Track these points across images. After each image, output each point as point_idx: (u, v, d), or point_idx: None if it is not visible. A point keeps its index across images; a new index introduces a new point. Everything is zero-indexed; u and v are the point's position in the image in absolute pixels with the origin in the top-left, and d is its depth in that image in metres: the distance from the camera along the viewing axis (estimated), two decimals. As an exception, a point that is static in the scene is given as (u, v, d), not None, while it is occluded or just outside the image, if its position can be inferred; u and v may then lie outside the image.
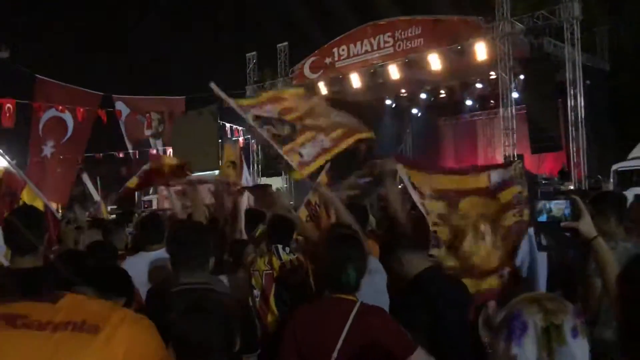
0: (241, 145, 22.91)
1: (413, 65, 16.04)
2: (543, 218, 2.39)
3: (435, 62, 15.43)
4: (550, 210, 2.37)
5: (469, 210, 3.59)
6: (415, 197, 3.49)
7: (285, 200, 6.62)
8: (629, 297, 1.50)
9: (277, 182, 19.37)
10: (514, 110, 15.28)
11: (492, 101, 19.08)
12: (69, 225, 5.33)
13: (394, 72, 16.24)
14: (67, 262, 2.74)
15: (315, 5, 23.20)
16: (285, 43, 19.07)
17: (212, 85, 4.40)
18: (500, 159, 15.98)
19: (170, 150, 22.36)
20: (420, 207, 3.43)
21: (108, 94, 21.56)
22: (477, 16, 15.24)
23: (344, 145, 4.68)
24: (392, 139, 20.98)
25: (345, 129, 4.79)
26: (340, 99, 18.55)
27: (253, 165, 21.51)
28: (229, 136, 22.75)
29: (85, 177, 9.95)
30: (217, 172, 18.41)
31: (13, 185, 5.16)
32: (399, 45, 16.18)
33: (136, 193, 20.32)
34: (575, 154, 14.78)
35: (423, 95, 20.01)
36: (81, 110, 19.00)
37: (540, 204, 2.40)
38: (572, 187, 13.88)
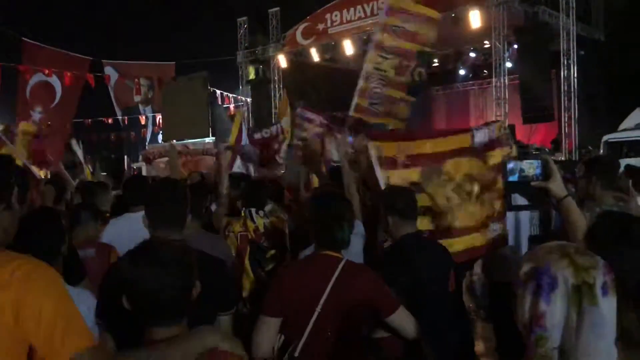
0: (232, 112, 22.73)
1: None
2: (514, 178, 2.34)
3: (428, 29, 15.20)
4: (522, 170, 2.32)
5: (453, 173, 3.57)
6: (378, 172, 3.48)
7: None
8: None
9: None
10: (506, 80, 15.15)
11: (485, 71, 18.94)
12: (47, 185, 5.30)
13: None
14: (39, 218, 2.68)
15: (309, -31, 22.73)
16: (277, 8, 18.73)
17: None
18: (491, 129, 15.89)
19: (159, 117, 22.18)
20: (381, 180, 3.42)
21: (97, 58, 21.25)
22: (472, -18, 14.96)
23: None
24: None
25: None
26: (332, 67, 18.40)
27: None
28: (220, 103, 22.54)
29: (74, 144, 9.84)
30: (207, 139, 18.42)
31: None
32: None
33: (125, 159, 20.25)
34: (566, 124, 14.72)
35: (416, 64, 19.80)
36: (69, 74, 18.71)
37: (512, 163, 2.35)
38: (562, 159, 13.89)
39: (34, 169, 6.55)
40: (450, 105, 22.64)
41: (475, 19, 14.55)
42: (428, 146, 3.63)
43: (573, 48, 14.54)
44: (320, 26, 17.32)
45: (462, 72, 20.82)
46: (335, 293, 2.28)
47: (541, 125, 16.29)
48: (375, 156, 3.50)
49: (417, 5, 5.77)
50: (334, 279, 2.30)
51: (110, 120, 23.25)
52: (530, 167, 2.31)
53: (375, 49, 5.61)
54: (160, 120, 22.54)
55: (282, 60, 18.35)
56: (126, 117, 22.99)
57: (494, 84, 15.46)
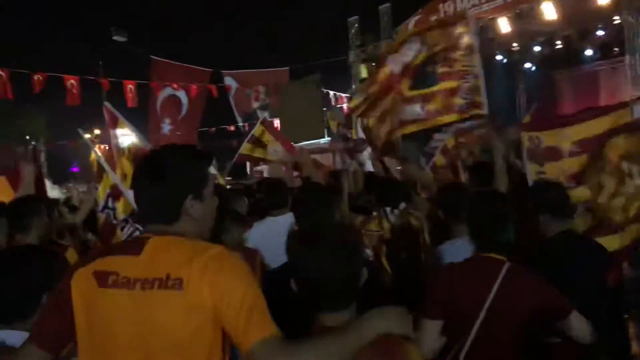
0: (346, 112, 22.94)
1: (525, 16, 15.01)
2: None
3: (549, 10, 14.31)
4: None
5: (612, 155, 3.29)
6: (527, 167, 3.28)
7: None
8: None
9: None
10: (642, 56, 13.86)
11: (616, 49, 17.43)
12: None
13: (504, 25, 15.31)
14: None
15: (418, -38, 22.34)
16: (388, 4, 18.57)
17: None
18: (627, 112, 14.60)
19: (277, 121, 22.91)
20: (529, 175, 3.20)
21: (217, 70, 22.38)
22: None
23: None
24: (504, 97, 19.92)
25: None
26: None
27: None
28: (333, 104, 22.84)
29: (201, 152, 10.37)
30: (322, 140, 18.73)
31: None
32: (510, -4, 15.18)
33: (247, 164, 21.17)
34: None
35: (537, 48, 18.70)
36: (194, 87, 19.92)
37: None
38: None
39: None
40: (576, 88, 21.09)
41: (603, -7, 13.47)
42: (591, 127, 3.36)
43: None
44: (433, 18, 16.91)
45: (588, 52, 19.34)
46: (500, 297, 2.20)
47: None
48: (526, 149, 3.31)
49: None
50: (498, 282, 2.21)
51: (232, 128, 24.45)
52: None
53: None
54: (278, 124, 23.30)
55: (395, 56, 18.14)
56: (246, 124, 24.03)
57: (627, 62, 14.18)
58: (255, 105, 23.36)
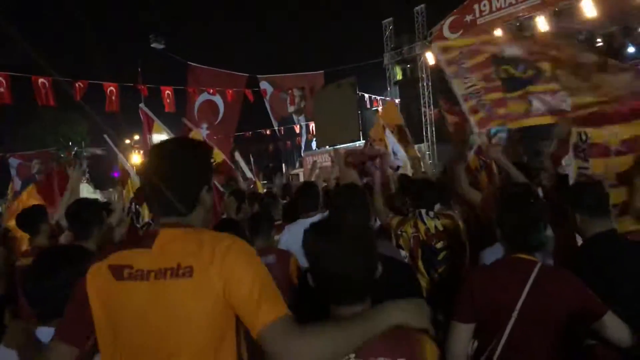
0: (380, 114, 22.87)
1: (564, 14, 14.69)
2: None
3: (589, 8, 13.99)
4: None
5: None
6: (572, 163, 3.20)
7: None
8: None
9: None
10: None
11: (660, 45, 16.90)
12: (230, 197, 5.73)
13: (542, 23, 15.00)
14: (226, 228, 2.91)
15: (452, -38, 22.11)
16: (422, 5, 18.46)
17: None
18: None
19: (312, 125, 23.00)
20: (570, 172, 3.12)
21: (253, 74, 22.63)
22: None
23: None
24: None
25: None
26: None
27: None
28: (368, 107, 22.79)
29: (238, 156, 10.50)
30: (357, 143, 18.71)
31: None
32: (548, -6, 14.89)
33: (283, 166, 21.30)
34: None
35: (577, 46, 18.27)
36: (230, 92, 20.16)
37: None
38: None
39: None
40: (619, 87, 20.50)
41: (646, -11, 13.07)
42: (637, 127, 3.26)
43: None
44: (469, 18, 16.71)
45: (631, 49, 18.78)
46: (532, 298, 2.16)
47: None
48: (573, 144, 3.24)
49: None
50: (530, 283, 2.17)
51: (268, 132, 24.67)
52: None
53: (456, 78, 5.18)
54: (313, 128, 23.37)
55: (430, 58, 18.01)
56: (282, 127, 24.19)
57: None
58: (291, 109, 23.50)
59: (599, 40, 17.59)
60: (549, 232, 3.09)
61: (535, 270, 2.22)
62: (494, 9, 16.04)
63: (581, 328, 2.22)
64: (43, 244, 4.26)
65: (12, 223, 5.38)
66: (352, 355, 1.53)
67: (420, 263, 3.64)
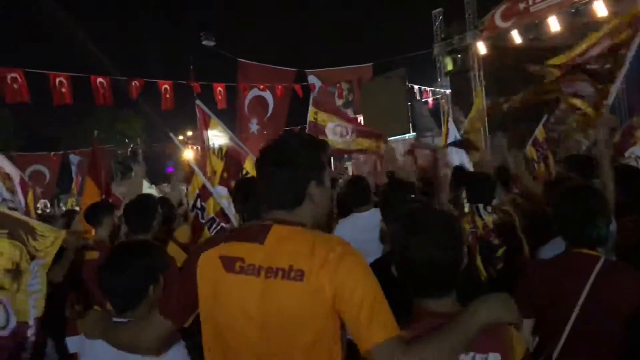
0: (430, 106, 22.54)
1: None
2: None
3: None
4: None
5: None
6: None
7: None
8: None
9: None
10: None
11: None
12: None
13: (600, 8, 14.39)
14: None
15: (503, -52, 21.49)
16: (473, -6, 18.07)
17: None
18: None
19: (361, 118, 22.93)
20: None
21: (301, 69, 22.72)
22: None
23: None
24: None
25: None
26: (536, 46, 17.14)
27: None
28: (418, 98, 22.51)
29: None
30: (407, 135, 18.53)
31: (236, 157, 5.88)
32: (606, -24, 14.28)
33: (331, 160, 21.35)
34: None
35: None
36: (279, 87, 20.35)
37: None
38: None
39: None
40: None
41: None
42: None
43: None
44: (521, 5, 16.23)
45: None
46: (595, 293, 2.13)
47: None
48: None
49: None
50: (592, 278, 2.14)
51: (317, 126, 24.76)
52: None
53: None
54: (362, 121, 23.31)
55: (481, 47, 17.63)
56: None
57: None
58: (339, 102, 23.49)
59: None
60: (612, 226, 3.01)
61: (598, 265, 2.18)
62: (547, -5, 15.54)
63: None
64: (104, 238, 4.46)
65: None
66: None
67: (478, 260, 3.60)
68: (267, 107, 21.25)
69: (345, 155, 21.33)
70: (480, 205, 3.74)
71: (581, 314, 2.14)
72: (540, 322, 2.25)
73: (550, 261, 2.38)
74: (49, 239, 3.32)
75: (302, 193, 1.75)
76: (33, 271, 3.23)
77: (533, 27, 16.22)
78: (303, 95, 21.32)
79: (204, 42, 21.82)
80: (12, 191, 8.26)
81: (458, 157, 6.89)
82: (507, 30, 16.70)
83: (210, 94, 18.35)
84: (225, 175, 6.14)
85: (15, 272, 3.19)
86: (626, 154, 5.60)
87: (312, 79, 23.07)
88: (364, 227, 3.80)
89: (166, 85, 16.78)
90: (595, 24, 15.61)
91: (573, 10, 15.19)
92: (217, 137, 6.93)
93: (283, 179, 1.73)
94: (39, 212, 14.46)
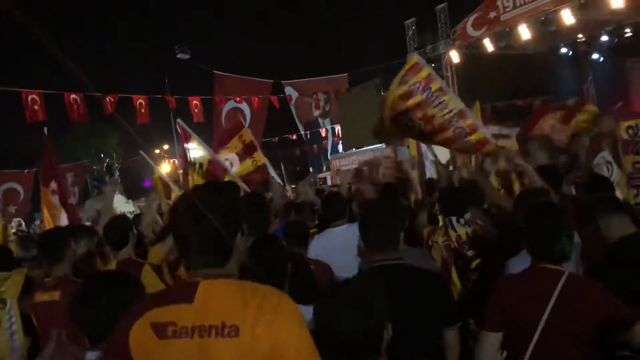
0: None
1: (590, 6, 14.41)
2: None
3: (616, -2, 13.70)
4: None
5: None
6: (622, 160, 3.18)
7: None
8: None
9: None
10: None
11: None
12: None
13: (567, 17, 14.71)
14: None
15: (473, -42, 21.90)
16: (444, 4, 18.33)
17: None
18: None
19: (338, 128, 23.04)
20: (625, 169, 3.10)
21: (277, 80, 22.77)
22: None
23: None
24: (571, 90, 19.18)
25: None
26: (507, 54, 17.42)
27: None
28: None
29: (266, 162, 10.54)
30: (383, 145, 18.66)
31: (216, 174, 5.88)
32: (573, -14, 14.62)
33: (310, 170, 21.39)
34: None
35: (604, 38, 17.91)
36: (256, 99, 20.36)
37: None
38: None
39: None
40: (650, 75, 20.00)
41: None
42: None
43: None
44: (492, 14, 16.51)
45: (663, 38, 18.33)
46: (559, 308, 2.18)
47: None
48: (622, 140, 3.23)
49: None
50: (556, 293, 2.19)
51: (294, 136, 24.80)
52: None
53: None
54: (339, 131, 23.40)
55: (454, 56, 17.87)
56: (308, 132, 24.28)
57: None
58: (316, 113, 23.59)
59: (627, 30, 17.25)
60: (576, 238, 3.08)
61: (562, 280, 2.23)
62: (518, 4, 15.81)
63: (612, 338, 2.22)
64: (66, 273, 4.16)
65: None
66: None
67: (453, 272, 3.64)
68: (244, 118, 21.23)
69: (325, 167, 21.45)
70: (454, 218, 3.77)
71: (546, 330, 2.19)
72: (508, 336, 2.30)
73: (516, 276, 2.43)
74: (8, 282, 3.33)
75: (230, 248, 1.69)
76: (9, 313, 3.23)
77: (504, 35, 16.51)
78: (280, 106, 21.38)
79: (178, 55, 21.75)
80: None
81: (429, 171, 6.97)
82: (479, 39, 16.97)
83: (186, 108, 18.29)
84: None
85: None
86: (595, 160, 5.72)
87: (288, 90, 23.15)
88: (339, 243, 3.82)
89: (141, 100, 16.66)
90: (565, 31, 16.01)
91: (542, 19, 15.49)
92: (195, 150, 6.94)
93: (209, 236, 1.65)
94: (13, 231, 14.18)
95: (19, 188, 21.76)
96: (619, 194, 4.11)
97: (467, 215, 3.89)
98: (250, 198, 3.97)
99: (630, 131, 3.32)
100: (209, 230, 1.63)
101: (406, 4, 23.34)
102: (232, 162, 7.90)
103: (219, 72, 21.27)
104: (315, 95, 23.29)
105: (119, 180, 23.12)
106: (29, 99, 13.99)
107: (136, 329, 1.64)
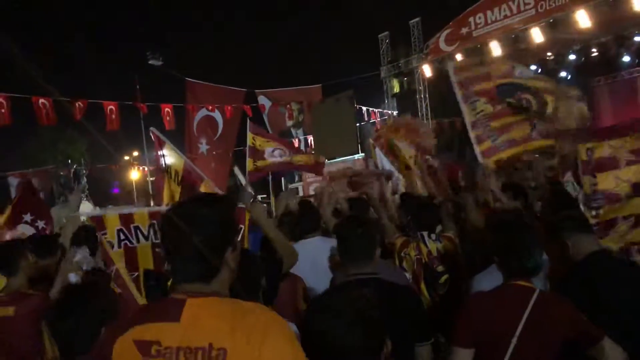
0: (378, 127, 22.92)
1: (558, 25, 14.84)
2: None
3: (583, 19, 14.13)
4: None
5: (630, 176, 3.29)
6: (583, 181, 3.28)
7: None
8: None
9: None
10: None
11: (654, 54, 17.04)
12: None
13: (537, 35, 15.13)
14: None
15: (446, -25, 22.28)
16: (418, 19, 18.61)
17: None
18: (668, 118, 14.21)
19: (311, 138, 23.07)
20: (585, 189, 3.19)
21: (251, 89, 22.70)
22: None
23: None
24: (540, 106, 19.59)
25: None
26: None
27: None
28: (366, 119, 22.88)
29: (237, 170, 10.51)
30: (356, 155, 18.76)
31: (192, 182, 5.82)
32: (542, 6, 15.01)
33: (282, 180, 21.36)
34: None
35: (572, 57, 18.42)
36: (229, 107, 20.24)
37: None
38: None
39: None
40: (615, 95, 20.61)
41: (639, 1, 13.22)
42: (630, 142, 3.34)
43: None
44: (464, 30, 16.85)
45: (626, 58, 18.92)
46: (531, 324, 2.21)
47: None
48: (581, 161, 3.31)
49: None
50: (529, 309, 2.22)
51: (266, 146, 24.71)
52: None
53: (464, 103, 5.58)
54: (312, 141, 23.44)
55: (427, 70, 18.14)
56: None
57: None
58: (289, 123, 23.57)
59: (594, 50, 17.75)
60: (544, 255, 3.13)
61: (533, 298, 2.26)
62: (489, 21, 16.17)
63: (579, 354, 2.26)
64: (20, 286, 3.90)
65: None
66: None
67: (422, 285, 3.67)
68: (216, 127, 21.10)
69: (297, 177, 21.42)
70: (425, 233, 3.82)
71: (518, 346, 2.21)
72: (479, 352, 2.31)
73: (488, 293, 2.46)
74: None
75: (219, 263, 1.63)
76: None
77: (476, 51, 16.83)
78: (253, 115, 21.29)
79: (150, 62, 21.51)
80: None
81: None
82: (452, 54, 17.25)
83: (157, 115, 18.07)
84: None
85: None
86: (565, 178, 5.84)
87: (262, 100, 23.09)
88: (307, 256, 3.80)
89: (111, 106, 16.40)
90: (534, 49, 16.39)
91: (513, 36, 15.85)
92: (169, 157, 6.86)
93: (196, 249, 1.58)
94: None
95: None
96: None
97: (438, 230, 3.94)
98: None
99: (589, 153, 3.42)
100: (192, 245, 1.59)
101: (381, 17, 23.58)
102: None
103: (192, 80, 21.11)
104: (288, 105, 23.29)
105: (87, 187, 22.68)
106: (-5, 102, 13.65)
107: (118, 345, 1.59)
